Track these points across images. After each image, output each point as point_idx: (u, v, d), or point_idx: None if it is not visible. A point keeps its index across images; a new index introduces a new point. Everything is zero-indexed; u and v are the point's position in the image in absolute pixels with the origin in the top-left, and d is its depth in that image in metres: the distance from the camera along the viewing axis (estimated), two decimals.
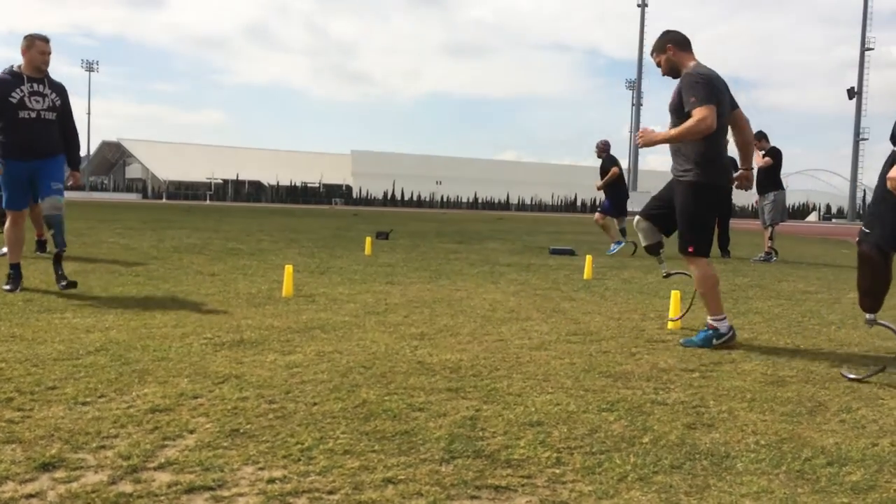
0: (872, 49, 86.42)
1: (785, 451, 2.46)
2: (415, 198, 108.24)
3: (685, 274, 4.91)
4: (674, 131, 4.26)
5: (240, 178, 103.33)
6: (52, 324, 4.21)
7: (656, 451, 2.42)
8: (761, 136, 11.41)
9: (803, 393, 3.23)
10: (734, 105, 4.49)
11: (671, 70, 4.44)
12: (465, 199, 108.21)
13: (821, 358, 4.00)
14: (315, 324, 4.51)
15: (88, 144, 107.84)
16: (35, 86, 5.42)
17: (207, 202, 71.24)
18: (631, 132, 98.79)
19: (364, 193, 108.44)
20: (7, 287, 5.37)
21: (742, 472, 2.26)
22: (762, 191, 11.44)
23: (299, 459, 2.24)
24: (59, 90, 5.56)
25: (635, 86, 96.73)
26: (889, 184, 3.42)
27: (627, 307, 5.77)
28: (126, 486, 2.01)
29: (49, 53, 5.46)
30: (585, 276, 7.86)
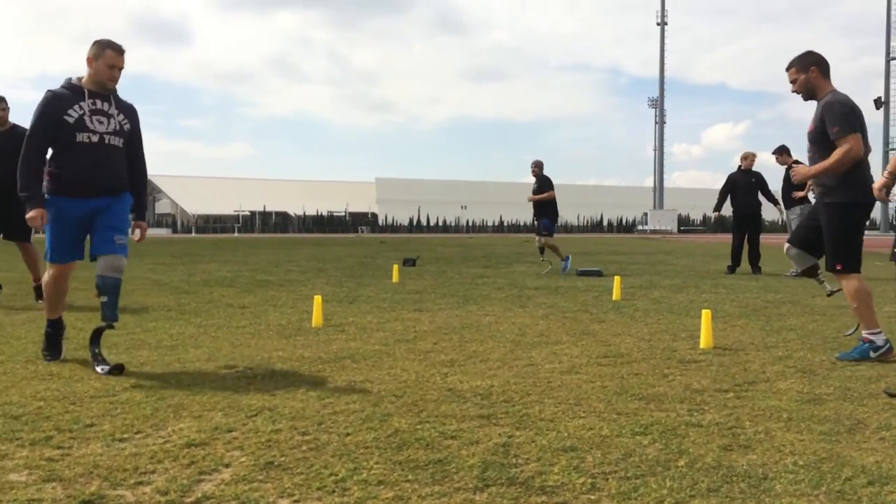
0: None
1: (824, 472, 2.42)
2: (440, 223, 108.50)
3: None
4: (824, 164, 4.39)
5: (267, 209, 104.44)
6: (88, 361, 4.28)
7: (692, 475, 2.39)
8: (783, 150, 11.33)
9: (841, 411, 3.18)
10: None
11: (807, 91, 4.53)
12: (490, 223, 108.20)
13: (858, 374, 3.93)
14: (345, 353, 4.54)
15: None
16: (99, 103, 4.21)
17: (236, 234, 72.10)
18: (655, 150, 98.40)
19: (389, 220, 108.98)
20: (47, 355, 4.34)
21: (781, 494, 2.23)
22: (789, 205, 11.33)
23: (334, 491, 2.25)
24: (129, 112, 4.37)
25: (658, 104, 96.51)
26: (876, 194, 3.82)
27: (658, 328, 5.72)
28: None
29: (120, 69, 4.29)
30: (614, 297, 7.81)
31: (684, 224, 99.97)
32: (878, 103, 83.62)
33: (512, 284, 9.66)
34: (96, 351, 4.14)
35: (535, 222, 12.33)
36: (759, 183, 11.76)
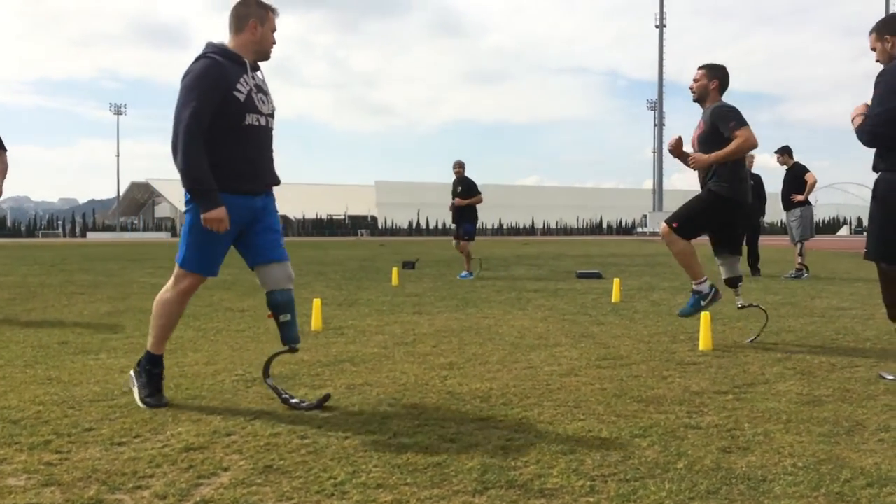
0: None
1: (823, 473, 2.41)
2: (439, 226, 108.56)
3: (760, 308, 5.48)
4: (725, 150, 4.82)
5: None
6: (87, 365, 4.28)
7: (691, 477, 2.39)
8: (784, 151, 11.33)
9: (840, 413, 3.18)
10: None
11: (701, 96, 5.07)
12: (489, 226, 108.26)
13: (857, 376, 3.93)
14: (344, 357, 4.54)
15: (118, 185, 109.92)
16: (259, 79, 3.48)
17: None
18: (654, 152, 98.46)
19: (389, 223, 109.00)
20: (148, 399, 3.34)
21: (780, 496, 2.22)
22: (789, 207, 11.34)
23: (333, 494, 2.25)
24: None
25: (657, 106, 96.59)
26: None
27: (657, 330, 5.72)
28: None
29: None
30: (614, 300, 7.81)
31: None
32: None
33: (511, 287, 9.66)
34: (281, 390, 3.42)
35: (456, 226, 11.80)
36: (757, 185, 11.73)
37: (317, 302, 5.96)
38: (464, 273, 11.40)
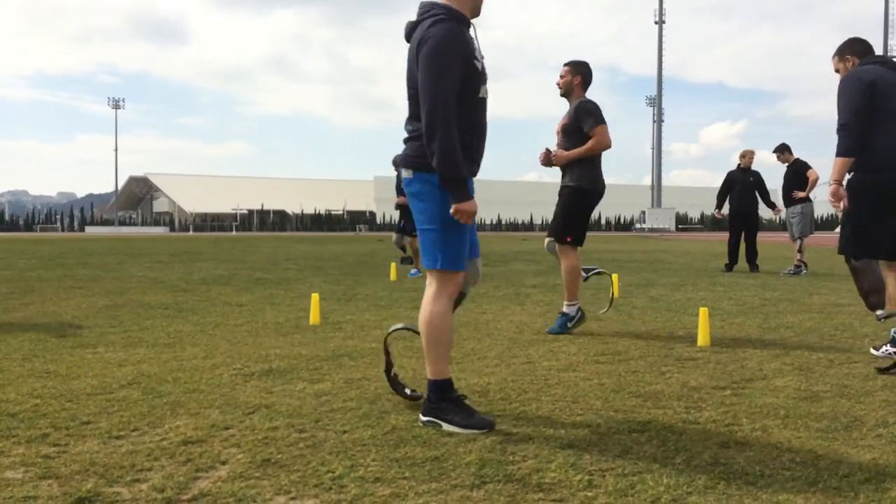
0: (895, 57, 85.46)
1: (821, 469, 2.42)
2: None
3: (605, 272, 5.95)
4: (584, 148, 5.23)
5: (264, 207, 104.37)
6: (84, 359, 4.28)
7: (689, 472, 2.39)
8: (784, 149, 11.33)
9: (838, 408, 3.18)
10: None
11: (567, 91, 5.41)
12: (488, 222, 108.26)
13: (855, 372, 3.94)
14: (343, 351, 4.54)
15: (116, 180, 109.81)
16: (478, 43, 3.05)
17: (233, 233, 72.07)
18: (653, 149, 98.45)
19: (388, 219, 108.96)
20: (475, 421, 2.87)
21: (778, 491, 2.23)
22: (789, 203, 11.33)
23: (331, 488, 2.25)
24: None
25: (656, 102, 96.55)
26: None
27: (655, 325, 5.72)
28: None
29: None
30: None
31: (682, 222, 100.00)
32: None
33: (510, 282, 9.66)
34: (403, 384, 3.29)
35: (402, 223, 11.32)
36: (757, 182, 11.72)
37: (315, 297, 5.95)
38: (414, 271, 10.89)
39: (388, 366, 3.30)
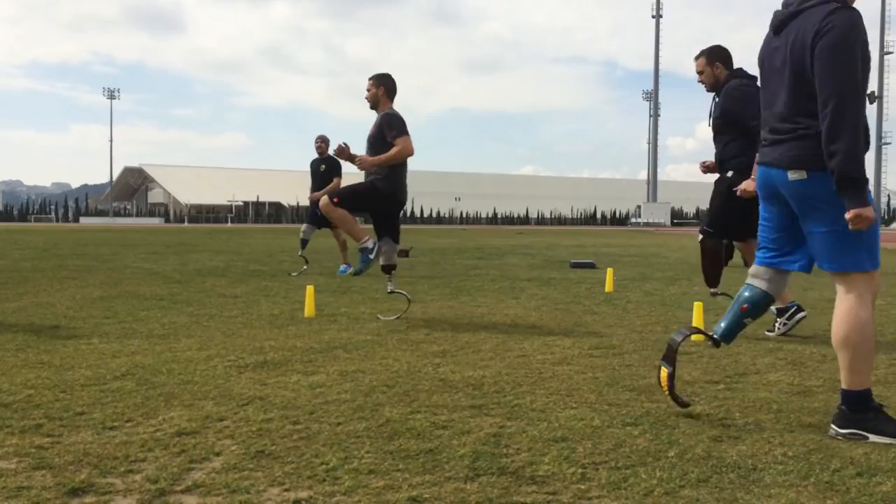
0: (891, 53, 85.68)
1: (813, 463, 2.43)
2: (434, 214, 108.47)
3: (405, 295, 6.00)
4: (386, 156, 5.58)
5: (260, 199, 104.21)
6: (79, 350, 4.27)
7: (682, 465, 2.40)
8: None
9: (831, 403, 3.19)
10: None
11: (374, 103, 5.79)
12: (484, 215, 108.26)
13: None
14: (337, 343, 4.54)
15: (111, 171, 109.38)
16: None
17: (229, 224, 71.92)
18: (649, 143, 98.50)
19: None
20: None
21: (770, 485, 2.24)
22: None
23: (324, 480, 2.25)
24: None
25: (652, 97, 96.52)
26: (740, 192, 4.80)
27: (650, 320, 5.74)
28: None
29: None
30: (607, 290, 7.83)
31: (678, 217, 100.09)
32: (871, 98, 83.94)
33: (505, 276, 9.67)
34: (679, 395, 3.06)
35: (318, 212, 9.63)
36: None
37: (310, 289, 5.95)
38: (343, 267, 10.02)
39: (672, 376, 2.97)
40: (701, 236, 5.20)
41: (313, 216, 9.89)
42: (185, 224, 77.47)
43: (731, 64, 5.08)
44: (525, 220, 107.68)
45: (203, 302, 6.59)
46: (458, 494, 2.14)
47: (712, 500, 2.12)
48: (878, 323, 5.52)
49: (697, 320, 4.84)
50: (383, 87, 5.79)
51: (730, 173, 4.98)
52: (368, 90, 5.83)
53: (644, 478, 2.28)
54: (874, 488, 2.21)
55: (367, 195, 5.76)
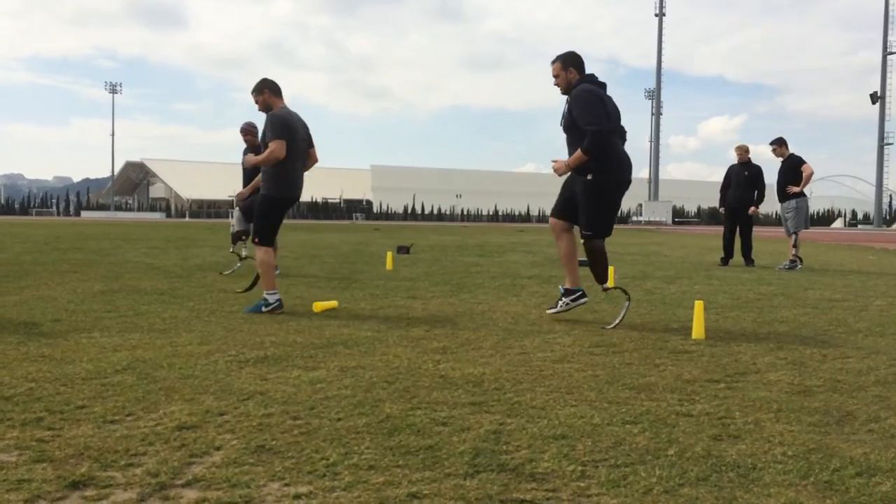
0: (895, 53, 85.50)
1: (813, 462, 2.43)
2: (435, 211, 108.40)
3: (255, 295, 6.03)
4: (259, 157, 5.85)
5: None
6: (79, 343, 4.28)
7: (682, 464, 2.40)
8: (781, 143, 11.32)
9: (831, 403, 3.20)
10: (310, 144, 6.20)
11: (265, 107, 5.94)
12: (485, 212, 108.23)
13: (848, 367, 3.95)
14: (338, 339, 4.54)
15: (113, 165, 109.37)
16: None
17: (230, 220, 71.85)
18: (650, 142, 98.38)
19: (384, 208, 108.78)
20: None
21: (769, 484, 2.24)
22: (784, 198, 11.34)
23: (324, 475, 2.25)
24: None
25: (654, 95, 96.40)
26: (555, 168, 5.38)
27: (650, 318, 5.74)
28: None
29: None
30: None
31: (679, 216, 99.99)
32: (874, 98, 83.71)
33: (505, 273, 9.66)
34: None
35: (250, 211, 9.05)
36: (752, 176, 11.69)
37: (317, 305, 5.95)
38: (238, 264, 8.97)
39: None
40: (583, 240, 5.48)
41: (247, 212, 8.99)
42: (187, 219, 77.46)
43: (584, 69, 5.42)
44: (526, 217, 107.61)
45: (204, 297, 6.60)
46: (458, 491, 2.14)
47: (711, 499, 2.12)
48: (879, 323, 5.52)
49: (698, 320, 4.84)
50: (267, 91, 5.93)
51: (589, 176, 5.27)
52: (256, 101, 6.00)
53: (643, 476, 2.28)
54: (873, 488, 2.22)
55: (270, 209, 5.94)
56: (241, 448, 2.48)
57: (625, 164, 5.36)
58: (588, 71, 5.50)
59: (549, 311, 5.60)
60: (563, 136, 5.48)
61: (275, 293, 5.75)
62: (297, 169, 5.98)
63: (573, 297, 5.51)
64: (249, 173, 9.26)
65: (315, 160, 6.35)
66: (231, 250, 9.35)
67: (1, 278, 8.03)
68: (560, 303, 5.54)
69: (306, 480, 2.21)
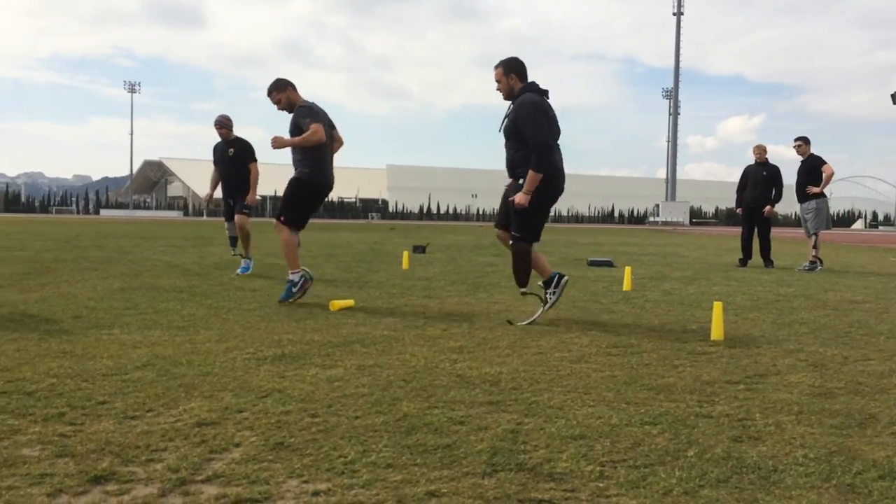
0: None
1: (835, 465, 2.41)
2: (450, 211, 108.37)
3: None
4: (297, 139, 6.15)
5: (278, 194, 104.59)
6: (100, 340, 4.31)
7: (702, 465, 2.38)
8: (807, 141, 11.23)
9: (852, 405, 3.16)
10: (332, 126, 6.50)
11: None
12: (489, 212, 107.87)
13: (870, 369, 3.91)
14: (355, 338, 4.55)
15: (131, 164, 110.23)
16: None
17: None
18: (668, 141, 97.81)
19: (400, 207, 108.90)
20: None
21: (791, 487, 2.22)
22: (804, 199, 11.24)
23: (343, 472, 2.26)
24: None
25: (672, 94, 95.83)
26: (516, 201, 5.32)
27: (668, 319, 5.70)
28: (175, 499, 2.05)
29: None
30: (625, 288, 7.79)
31: (696, 216, 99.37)
32: (895, 98, 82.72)
33: None
34: None
35: (231, 202, 9.02)
36: (770, 177, 11.59)
37: (331, 305, 5.96)
38: (246, 263, 8.83)
39: None
40: (511, 241, 5.54)
41: (229, 212, 9.08)
42: (204, 217, 77.94)
43: (525, 76, 5.45)
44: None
45: (222, 295, 6.64)
46: (476, 489, 2.14)
47: (732, 501, 2.10)
48: (879, 323, 5.46)
49: (717, 321, 4.81)
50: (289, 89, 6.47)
51: (521, 181, 5.35)
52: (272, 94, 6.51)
53: (663, 477, 2.27)
54: None
55: (303, 195, 6.30)
56: (259, 445, 2.49)
57: (560, 176, 5.49)
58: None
59: (544, 308, 5.53)
60: (503, 140, 5.51)
61: (297, 271, 6.04)
62: (328, 156, 6.33)
63: (554, 282, 5.55)
64: (229, 164, 8.85)
65: (341, 142, 6.67)
66: (233, 254, 9.32)
67: (22, 276, 8.12)
68: (547, 295, 5.54)
69: (325, 478, 2.22)
